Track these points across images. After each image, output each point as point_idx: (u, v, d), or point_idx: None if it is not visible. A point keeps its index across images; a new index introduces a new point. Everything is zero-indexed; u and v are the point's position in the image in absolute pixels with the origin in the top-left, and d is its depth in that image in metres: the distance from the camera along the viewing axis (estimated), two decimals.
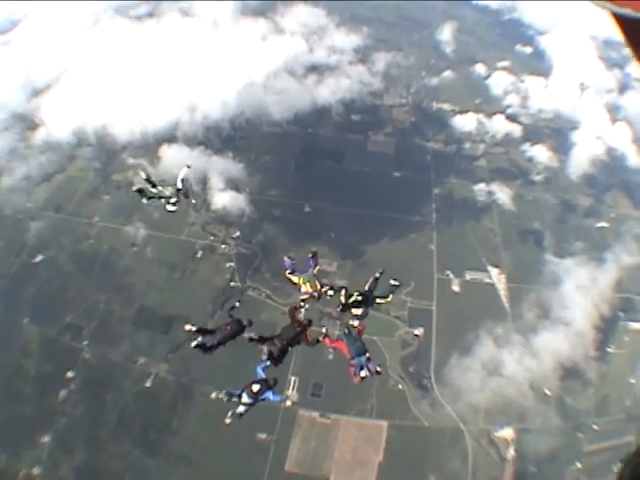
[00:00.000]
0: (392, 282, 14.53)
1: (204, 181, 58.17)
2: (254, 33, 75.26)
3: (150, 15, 76.14)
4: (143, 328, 47.92)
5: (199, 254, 53.45)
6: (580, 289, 60.75)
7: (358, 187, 61.38)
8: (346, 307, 13.69)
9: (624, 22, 2.35)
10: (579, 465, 49.52)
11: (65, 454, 41.41)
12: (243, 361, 45.46)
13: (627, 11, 2.29)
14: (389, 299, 14.28)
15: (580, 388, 54.33)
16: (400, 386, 47.90)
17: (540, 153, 70.72)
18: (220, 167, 59.97)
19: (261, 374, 13.52)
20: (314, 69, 75.03)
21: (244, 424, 41.86)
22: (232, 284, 51.63)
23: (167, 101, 63.28)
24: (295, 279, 14.69)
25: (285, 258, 15.23)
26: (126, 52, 67.55)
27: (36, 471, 40.14)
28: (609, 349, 57.06)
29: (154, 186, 15.71)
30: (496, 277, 56.69)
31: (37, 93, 66.29)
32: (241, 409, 13.36)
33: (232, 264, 52.91)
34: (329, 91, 71.90)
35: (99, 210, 56.25)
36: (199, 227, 55.40)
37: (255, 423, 45.25)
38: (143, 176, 15.97)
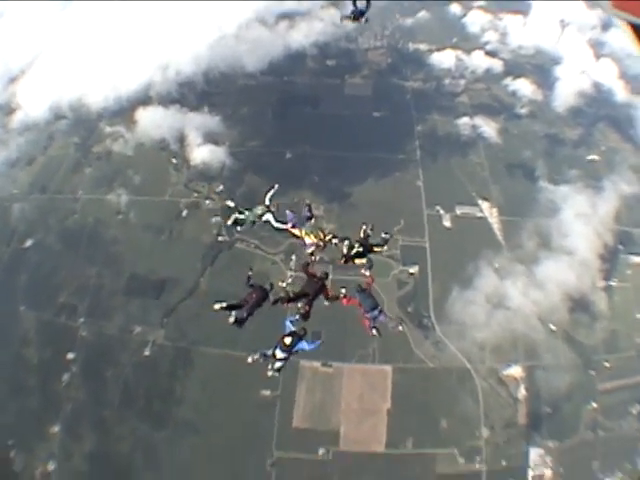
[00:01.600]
0: (383, 235, 15.82)
1: (181, 138, 62.74)
2: None
3: None
4: (135, 296, 51.67)
5: (184, 213, 57.66)
6: (580, 217, 64.09)
7: (338, 130, 65.72)
8: (349, 258, 15.13)
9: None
10: (595, 405, 52.55)
11: (75, 442, 44.26)
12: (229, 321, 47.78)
13: None
14: (385, 248, 15.91)
15: (587, 323, 57.28)
16: (400, 327, 51.70)
17: (523, 87, 76.28)
18: (197, 123, 64.69)
19: (290, 327, 14.89)
20: (285, 16, 79.46)
21: (246, 383, 44.00)
22: (220, 239, 55.76)
23: (138, 63, 67.95)
24: (297, 232, 15.97)
25: (287, 211, 16.41)
26: (96, 24, 71.79)
27: (51, 466, 43.13)
28: (613, 283, 60.39)
29: (242, 212, 16.75)
30: (487, 210, 60.70)
31: (13, 80, 71.11)
32: (278, 364, 14.54)
33: (218, 218, 56.92)
34: (302, 35, 77.14)
35: (82, 184, 60.28)
36: (182, 186, 59.88)
37: (257, 380, 47.22)
38: (231, 204, 17.11)
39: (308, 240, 15.85)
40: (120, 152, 62.98)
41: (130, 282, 52.14)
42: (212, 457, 44.92)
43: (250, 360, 14.82)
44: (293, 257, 55.84)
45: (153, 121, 63.28)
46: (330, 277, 15.58)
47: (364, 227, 15.73)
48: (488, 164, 65.37)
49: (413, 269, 52.04)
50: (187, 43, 70.87)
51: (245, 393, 47.05)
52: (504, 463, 48.14)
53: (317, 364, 48.61)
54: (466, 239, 57.85)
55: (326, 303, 15.66)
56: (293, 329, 14.72)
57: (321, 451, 46.51)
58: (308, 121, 67.27)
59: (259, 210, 16.68)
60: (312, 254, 15.96)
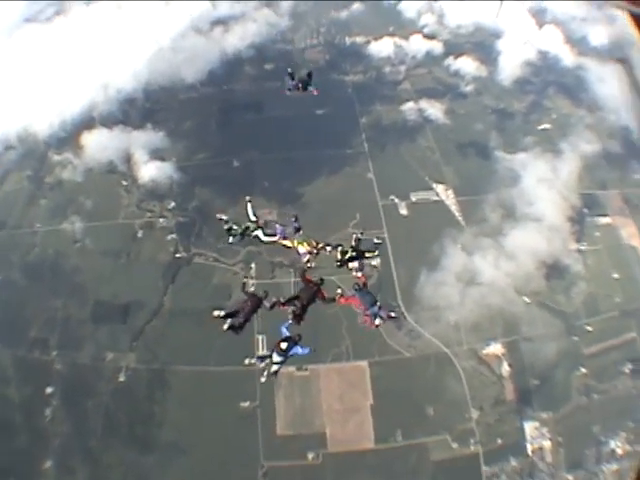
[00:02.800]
0: (375, 241, 19.01)
1: (128, 158, 67.21)
2: (157, 2, 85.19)
3: (58, 14, 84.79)
4: (102, 323, 55.10)
5: (139, 234, 61.94)
6: (542, 182, 68.23)
7: (283, 132, 69.67)
8: (343, 263, 17.74)
9: None
10: (584, 370, 55.93)
11: (69, 475, 47.25)
12: (202, 334, 49.88)
13: None
14: (376, 253, 18.61)
15: (565, 287, 60.87)
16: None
17: (466, 65, 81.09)
18: (142, 141, 69.17)
19: (285, 332, 16.70)
20: (220, 22, 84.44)
21: (224, 397, 47.87)
22: (177, 255, 60.11)
23: (79, 84, 72.13)
24: (289, 243, 18.61)
25: (276, 225, 19.03)
26: (39, 52, 76.04)
27: None
28: (583, 247, 64.40)
29: (231, 226, 19.42)
30: (443, 193, 65.40)
31: None
32: (274, 368, 16.54)
33: (174, 236, 61.64)
34: (237, 39, 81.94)
35: (38, 216, 64.33)
36: (134, 207, 64.11)
37: (235, 393, 51.10)
38: (224, 217, 19.79)
39: (301, 249, 18.49)
40: (70, 179, 66.74)
41: (95, 309, 55.58)
42: (202, 476, 47.45)
43: (247, 362, 18.73)
44: (253, 265, 59.41)
45: (99, 144, 67.45)
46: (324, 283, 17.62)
47: (355, 235, 18.65)
48: (438, 147, 70.17)
49: (375, 261, 52.70)
50: (125, 59, 75.11)
51: (224, 407, 49.99)
52: (500, 441, 51.25)
53: (292, 369, 51.20)
54: (425, 224, 61.86)
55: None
56: (288, 334, 16.67)
57: (310, 455, 49.15)
58: (252, 127, 71.55)
59: (250, 226, 19.16)
60: (308, 262, 18.40)
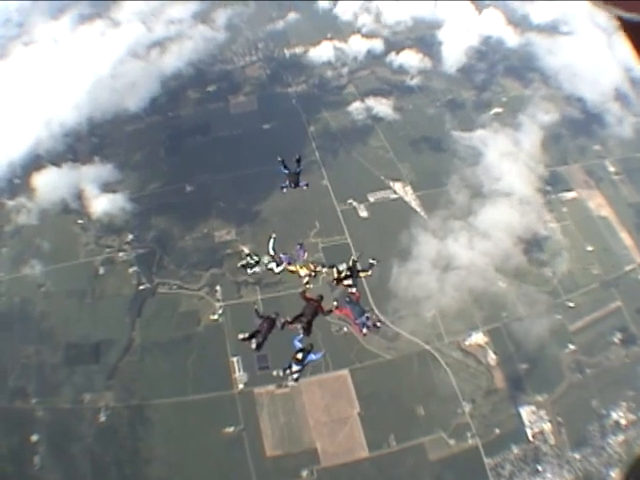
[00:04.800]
0: (370, 261, 21.49)
1: (79, 195, 72.57)
2: (92, 34, 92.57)
3: None
4: (76, 365, 59.13)
5: (101, 271, 67.05)
6: (506, 157, 74.90)
7: (231, 151, 75.66)
8: (339, 280, 20.94)
9: (630, 27, 3.27)
10: (572, 347, 60.77)
11: None
12: (176, 364, 55.46)
13: (633, 15, 3.12)
14: (369, 273, 21.43)
15: (540, 265, 66.42)
16: (345, 329, 57.82)
17: (409, 58, 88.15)
18: (92, 175, 74.96)
19: (298, 345, 19.96)
20: (156, 44, 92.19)
21: (207, 425, 51.18)
22: (141, 287, 64.76)
23: (21, 123, 77.88)
24: (293, 268, 21.72)
25: (281, 254, 21.85)
26: None
27: None
28: (553, 225, 70.06)
29: (252, 258, 22.54)
30: (401, 190, 71.45)
31: None
32: (295, 376, 19.99)
33: (135, 268, 66.40)
34: (175, 57, 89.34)
35: (1, 265, 69.55)
36: (92, 244, 69.30)
37: (217, 419, 54.34)
38: (246, 250, 23.08)
39: (302, 272, 21.74)
40: (27, 224, 72.09)
41: (67, 352, 59.70)
42: None
43: (275, 374, 20.45)
44: (218, 288, 63.47)
45: (49, 184, 73.02)
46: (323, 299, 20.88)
47: (352, 257, 22.14)
48: (390, 145, 76.56)
49: (342, 266, 61.71)
50: (65, 92, 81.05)
51: (209, 435, 53.22)
52: (497, 431, 55.31)
53: (272, 387, 54.99)
54: (387, 223, 67.20)
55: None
56: (301, 346, 20.12)
57: (304, 473, 52.21)
58: (201, 149, 77.81)
59: (265, 259, 22.08)
60: (307, 283, 21.89)
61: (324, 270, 22.18)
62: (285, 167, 22.43)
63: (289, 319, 21.03)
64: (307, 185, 22.71)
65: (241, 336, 20.85)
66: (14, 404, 57.18)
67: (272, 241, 22.53)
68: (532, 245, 67.90)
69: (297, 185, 22.64)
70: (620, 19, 3.39)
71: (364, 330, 20.98)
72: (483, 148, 76.33)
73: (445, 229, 67.80)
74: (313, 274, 22.20)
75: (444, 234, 67.25)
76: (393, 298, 61.81)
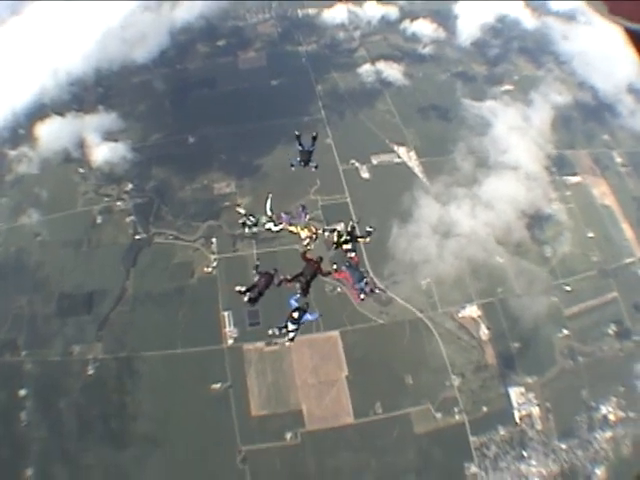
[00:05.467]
0: (368, 228, 21.44)
1: (82, 144, 72.57)
2: None
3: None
4: (68, 315, 58.92)
5: (98, 220, 66.93)
6: (515, 130, 74.49)
7: (238, 106, 75.29)
8: (338, 245, 21.10)
9: (635, 36, 3.42)
10: (566, 332, 60.16)
11: None
12: (167, 316, 55.11)
13: (638, 26, 3.27)
14: (367, 240, 21.61)
15: (546, 239, 66.33)
16: (339, 289, 57.38)
17: (423, 27, 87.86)
18: (96, 124, 74.91)
19: (294, 304, 20.29)
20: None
21: (194, 380, 50.78)
22: (137, 237, 64.69)
23: (27, 70, 77.29)
24: (293, 229, 22.00)
25: (282, 214, 22.18)
26: None
27: None
28: (555, 206, 69.60)
29: (249, 219, 22.88)
30: (405, 155, 70.96)
31: None
32: (291, 335, 20.21)
33: (132, 218, 66.15)
34: (186, 10, 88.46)
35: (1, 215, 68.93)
36: (92, 193, 69.07)
37: (204, 375, 53.81)
38: (242, 211, 23.34)
39: (303, 234, 21.93)
40: (27, 173, 71.79)
41: (60, 302, 59.56)
42: (181, 467, 50.13)
43: (270, 332, 21.02)
44: (214, 240, 63.02)
45: (52, 133, 72.69)
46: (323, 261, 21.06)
47: (350, 222, 22.35)
48: (397, 110, 76.05)
49: (339, 226, 60.75)
50: (74, 41, 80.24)
51: (196, 391, 52.77)
52: (485, 409, 54.66)
53: (261, 344, 54.47)
54: (388, 186, 66.57)
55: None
56: (297, 305, 20.38)
57: (288, 435, 51.72)
58: (206, 102, 76.99)
59: (263, 219, 22.48)
60: (307, 244, 22.00)
61: (326, 234, 22.37)
62: (300, 143, 22.17)
63: (288, 277, 21.15)
64: (316, 167, 22.59)
65: (237, 288, 20.96)
66: (4, 357, 57.21)
67: (269, 202, 22.78)
68: (535, 221, 67.65)
69: (307, 164, 22.45)
70: (625, 29, 3.41)
71: (361, 296, 21.08)
72: (492, 119, 76.00)
73: (448, 195, 67.37)
74: (314, 236, 22.19)
75: (446, 200, 66.82)
76: (390, 261, 61.26)
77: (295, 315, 20.34)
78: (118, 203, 68.47)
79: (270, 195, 23.23)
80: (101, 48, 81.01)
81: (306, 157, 22.37)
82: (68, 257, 63.46)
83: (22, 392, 54.87)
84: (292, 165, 22.71)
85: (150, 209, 67.32)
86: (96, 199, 68.85)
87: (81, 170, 71.59)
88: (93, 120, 75.60)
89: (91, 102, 79.19)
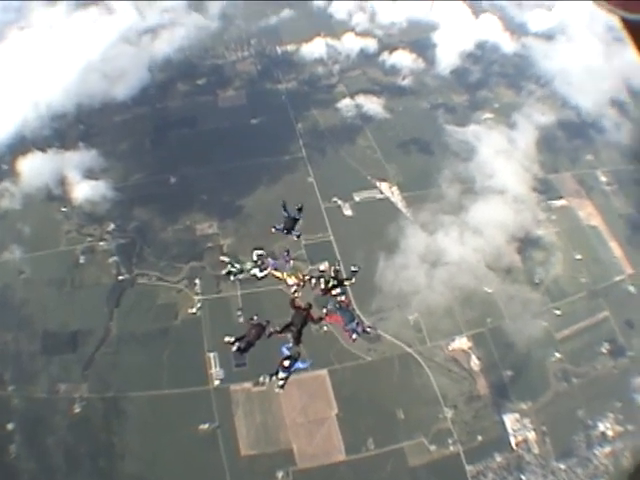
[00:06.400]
0: (352, 268, 22.05)
1: (63, 181, 73.77)
2: (86, 20, 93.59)
3: None
4: (53, 354, 59.73)
5: (81, 259, 67.86)
6: (500, 154, 76.01)
7: (218, 145, 76.64)
8: (327, 290, 21.47)
9: (633, 27, 3.42)
10: (558, 355, 60.78)
11: None
12: (152, 357, 55.61)
13: (636, 16, 3.26)
14: (352, 281, 22.10)
15: (539, 261, 67.98)
16: (325, 327, 55.41)
17: (402, 58, 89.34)
18: (76, 162, 76.31)
19: (286, 352, 20.37)
20: (148, 31, 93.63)
21: (181, 420, 51.20)
22: (120, 278, 65.47)
23: (8, 104, 78.95)
24: (279, 274, 22.18)
25: (269, 260, 22.33)
26: None
27: None
28: (540, 232, 70.66)
29: (233, 265, 23.22)
30: (388, 190, 72.27)
31: None
32: (280, 383, 20.46)
33: (115, 258, 67.15)
34: (165, 43, 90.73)
35: None
36: (75, 233, 70.21)
37: (191, 415, 54.26)
38: (226, 259, 23.69)
39: (290, 281, 22.05)
40: (10, 208, 73.07)
41: (45, 341, 60.43)
42: None
43: (261, 380, 24.94)
44: (197, 281, 63.80)
45: (34, 169, 74.24)
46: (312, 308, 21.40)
47: (333, 267, 22.53)
48: (378, 145, 77.83)
49: (323, 265, 61.07)
50: (54, 74, 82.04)
51: (183, 431, 53.37)
52: (480, 438, 55.20)
53: (248, 385, 54.87)
54: (371, 222, 67.90)
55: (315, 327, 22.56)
56: (289, 353, 20.58)
57: (280, 474, 52.06)
58: (186, 142, 78.65)
59: (248, 265, 22.72)
60: (295, 292, 22.15)
61: (313, 280, 22.43)
62: (285, 209, 22.54)
63: (278, 328, 21.52)
64: (299, 236, 22.98)
65: (227, 339, 21.31)
66: None
67: (255, 253, 23.10)
68: (525, 244, 69.50)
69: (290, 232, 22.76)
70: (623, 20, 3.52)
71: (354, 336, 21.64)
72: (476, 143, 78.45)
73: (434, 223, 69.04)
74: (302, 284, 22.57)
75: (433, 228, 68.50)
76: (377, 295, 62.53)
77: (286, 363, 20.56)
78: (101, 243, 69.77)
79: (261, 251, 23.32)
80: (82, 82, 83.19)
81: (290, 225, 22.54)
82: (52, 296, 64.61)
83: (10, 426, 55.67)
84: (275, 228, 22.87)
85: (133, 250, 68.52)
86: (79, 238, 70.11)
87: (64, 209, 72.85)
88: (74, 157, 77.40)
89: (72, 138, 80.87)
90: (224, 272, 23.64)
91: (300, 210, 22.68)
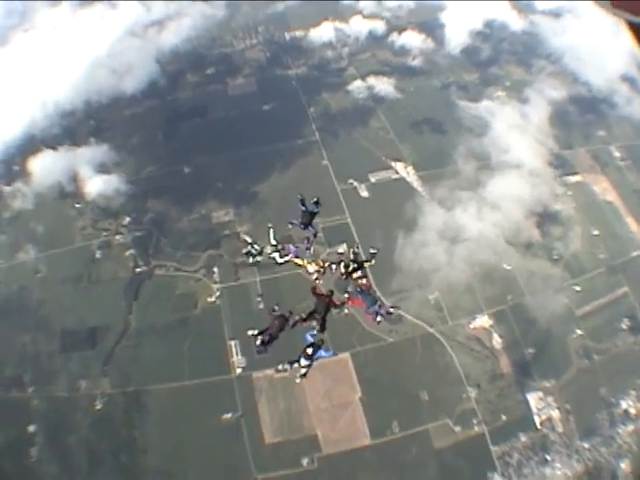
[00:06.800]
0: (371, 250, 22.00)
1: (75, 178, 73.98)
2: (91, 17, 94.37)
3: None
4: (72, 351, 59.90)
5: (98, 254, 68.17)
6: (513, 128, 76.01)
7: (230, 132, 76.89)
8: (348, 274, 21.58)
9: (637, 29, 3.56)
10: (579, 332, 60.80)
11: None
12: (172, 348, 55.88)
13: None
14: (372, 262, 22.13)
15: (558, 235, 67.62)
16: (346, 310, 62.13)
17: (411, 39, 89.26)
18: (87, 157, 76.64)
19: (310, 339, 20.42)
20: (155, 24, 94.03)
21: (204, 411, 51.39)
22: (138, 270, 65.71)
23: (16, 103, 79.64)
24: (300, 262, 22.18)
25: (291, 246, 22.25)
26: None
27: None
28: (558, 207, 70.47)
29: (253, 247, 23.37)
30: (403, 170, 72.31)
31: None
32: (303, 371, 20.31)
33: (132, 251, 67.40)
34: (172, 34, 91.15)
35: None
36: (89, 228, 70.50)
37: (214, 406, 54.19)
38: (248, 239, 23.79)
39: (310, 268, 22.15)
40: (22, 208, 73.14)
41: (64, 339, 60.49)
42: None
43: (280, 367, 20.79)
44: (215, 269, 63.95)
45: (45, 167, 74.50)
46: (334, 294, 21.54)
47: (352, 249, 22.92)
48: (391, 126, 77.54)
49: (342, 248, 57.58)
50: (62, 71, 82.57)
51: (206, 422, 53.18)
52: (504, 418, 55.03)
53: (270, 372, 54.20)
54: (388, 203, 67.87)
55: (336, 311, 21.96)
56: (312, 341, 20.59)
57: (305, 461, 51.98)
58: (198, 131, 78.69)
59: (268, 249, 22.76)
60: (317, 279, 22.26)
61: (333, 266, 22.32)
62: (303, 204, 22.34)
63: (303, 315, 21.49)
64: (315, 235, 22.73)
65: (250, 332, 21.15)
66: (11, 393, 57.96)
67: (272, 232, 23.00)
68: (543, 219, 69.57)
69: (307, 227, 22.67)
70: (628, 22, 3.59)
71: (378, 318, 21.59)
72: (490, 118, 78.62)
73: (452, 199, 69.20)
74: (322, 270, 22.47)
75: (451, 205, 68.70)
76: (397, 274, 62.42)
77: (309, 351, 20.42)
78: (117, 237, 69.97)
79: (270, 226, 23.40)
80: (89, 78, 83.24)
81: (307, 219, 22.40)
82: (69, 293, 64.78)
83: (31, 428, 55.79)
84: (291, 223, 22.75)
85: (149, 241, 68.65)
86: (94, 234, 70.30)
87: (77, 205, 73.22)
88: (85, 153, 77.37)
89: (83, 135, 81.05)
90: (244, 251, 23.75)
91: (317, 203, 22.45)
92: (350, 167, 72.23)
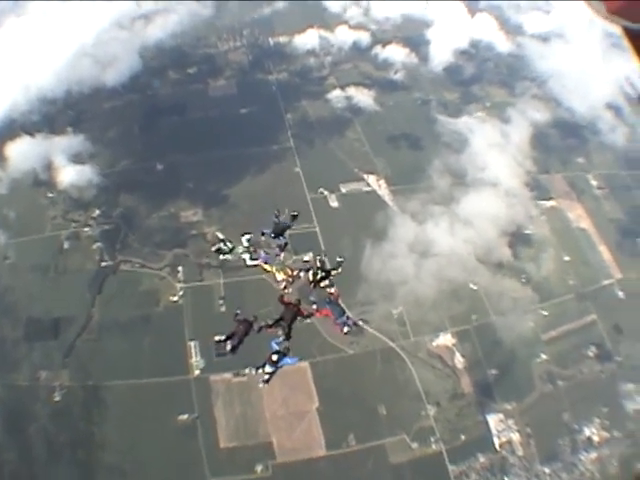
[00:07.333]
0: (338, 259, 22.18)
1: (49, 166, 74.25)
2: (81, 6, 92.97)
3: None
4: (35, 341, 59.75)
5: (66, 245, 68.09)
6: (493, 147, 76.60)
7: (206, 133, 77.07)
8: (316, 283, 21.79)
9: (634, 36, 3.58)
10: (544, 356, 60.61)
11: None
12: (132, 345, 55.69)
13: (638, 26, 3.42)
14: (339, 270, 22.22)
15: (513, 273, 66.72)
16: (307, 320, 61.86)
17: (395, 53, 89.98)
18: (63, 146, 76.85)
19: (275, 347, 20.74)
20: (142, 17, 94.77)
21: (161, 410, 50.82)
22: (103, 264, 65.76)
23: (1, 87, 79.26)
24: (269, 268, 22.50)
25: (262, 252, 22.56)
26: None
27: None
28: (529, 232, 71.02)
29: (226, 245, 23.47)
30: (375, 183, 72.85)
31: None
32: (266, 377, 20.73)
33: (99, 244, 67.52)
34: (158, 29, 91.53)
35: None
36: (60, 218, 70.52)
37: (171, 406, 53.95)
38: (221, 236, 23.72)
39: (279, 277, 22.36)
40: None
41: (27, 327, 60.56)
42: None
43: (247, 371, 25.19)
44: (180, 269, 64.05)
45: (22, 154, 74.69)
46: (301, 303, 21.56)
47: (318, 257, 23.27)
48: (367, 139, 78.63)
49: (308, 256, 55.22)
50: (46, 57, 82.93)
51: (162, 422, 53.09)
52: (463, 437, 54.99)
53: (228, 376, 54.63)
54: (358, 214, 68.40)
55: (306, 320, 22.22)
56: (278, 348, 20.96)
57: (259, 467, 51.86)
58: (175, 129, 79.13)
59: (240, 249, 22.98)
60: (285, 288, 22.49)
61: (301, 273, 22.72)
62: (277, 216, 22.44)
63: (270, 322, 21.75)
64: (286, 244, 22.63)
65: (217, 338, 21.45)
66: None
67: (245, 237, 23.17)
68: (515, 239, 70.08)
69: (278, 237, 22.64)
70: (624, 28, 3.64)
71: (345, 329, 21.89)
72: (469, 135, 79.59)
73: (424, 215, 69.93)
74: (291, 280, 22.75)
75: (423, 219, 69.33)
76: (361, 288, 62.46)
77: (274, 358, 20.84)
78: (85, 229, 70.01)
79: (250, 235, 23.28)
80: (73, 66, 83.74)
81: (279, 231, 22.38)
82: (36, 282, 64.68)
83: None
84: (263, 233, 22.75)
85: (117, 236, 68.78)
86: (64, 224, 70.29)
87: (50, 194, 73.03)
88: (62, 142, 77.64)
89: (61, 124, 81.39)
90: (213, 249, 23.97)
91: (295, 217, 22.69)
92: (322, 176, 72.72)
